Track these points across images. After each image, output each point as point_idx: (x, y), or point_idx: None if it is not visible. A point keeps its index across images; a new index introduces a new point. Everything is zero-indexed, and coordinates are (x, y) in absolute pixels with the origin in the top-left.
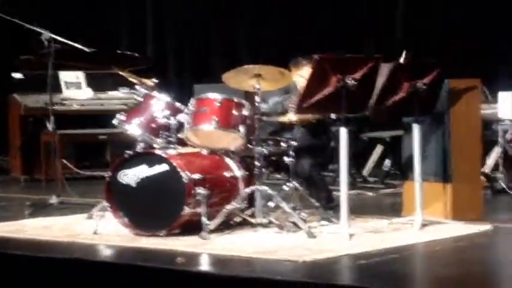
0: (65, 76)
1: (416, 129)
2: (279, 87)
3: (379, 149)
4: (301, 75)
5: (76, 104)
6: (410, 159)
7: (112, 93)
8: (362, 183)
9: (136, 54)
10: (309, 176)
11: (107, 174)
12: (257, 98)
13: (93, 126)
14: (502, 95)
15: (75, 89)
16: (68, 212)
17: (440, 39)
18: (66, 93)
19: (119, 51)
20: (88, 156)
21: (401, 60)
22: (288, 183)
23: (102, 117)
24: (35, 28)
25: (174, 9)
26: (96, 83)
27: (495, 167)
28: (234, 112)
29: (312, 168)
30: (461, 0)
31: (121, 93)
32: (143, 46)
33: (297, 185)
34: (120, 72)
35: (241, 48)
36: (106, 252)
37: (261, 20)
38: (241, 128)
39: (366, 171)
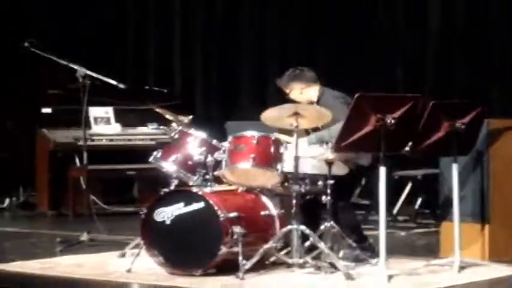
0: (95, 111)
1: (455, 169)
2: (318, 125)
3: (409, 187)
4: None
5: (105, 139)
6: (447, 199)
7: (140, 129)
8: (392, 223)
9: (165, 91)
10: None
11: (139, 210)
12: (295, 137)
13: (120, 162)
14: None
15: (104, 124)
16: (99, 250)
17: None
18: (95, 128)
19: (147, 87)
20: (115, 192)
21: None
22: (325, 223)
23: (130, 153)
24: (71, 65)
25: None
26: (125, 119)
27: None
28: (271, 150)
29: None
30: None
31: (149, 129)
32: (171, 83)
33: (334, 224)
34: (157, 109)
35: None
36: None
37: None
38: (278, 166)
39: (395, 210)
